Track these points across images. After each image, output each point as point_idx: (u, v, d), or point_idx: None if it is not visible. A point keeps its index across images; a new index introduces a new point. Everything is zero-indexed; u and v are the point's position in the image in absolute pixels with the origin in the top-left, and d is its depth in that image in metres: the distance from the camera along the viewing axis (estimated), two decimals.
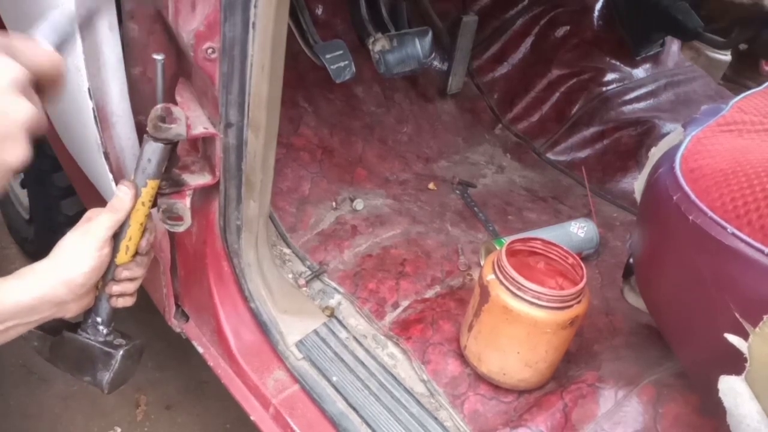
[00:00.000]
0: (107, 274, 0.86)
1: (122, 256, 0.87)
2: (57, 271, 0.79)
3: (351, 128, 1.72)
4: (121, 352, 0.91)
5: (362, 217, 1.48)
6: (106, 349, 0.91)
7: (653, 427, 0.98)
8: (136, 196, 0.84)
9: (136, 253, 0.88)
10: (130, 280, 0.89)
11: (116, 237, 0.85)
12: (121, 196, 0.84)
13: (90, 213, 0.84)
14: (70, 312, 0.83)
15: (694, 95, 2.13)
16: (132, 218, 0.85)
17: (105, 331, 0.92)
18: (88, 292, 0.83)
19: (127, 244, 0.86)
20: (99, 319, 0.92)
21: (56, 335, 0.92)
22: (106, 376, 0.91)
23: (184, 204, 0.94)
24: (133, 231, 0.86)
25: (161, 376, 1.75)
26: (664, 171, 0.88)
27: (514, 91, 2.05)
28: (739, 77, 2.29)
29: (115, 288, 0.88)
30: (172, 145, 0.86)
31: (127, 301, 0.91)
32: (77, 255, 0.80)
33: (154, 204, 0.90)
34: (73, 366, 0.94)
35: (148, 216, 0.88)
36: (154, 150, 0.84)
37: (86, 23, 0.77)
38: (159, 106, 0.83)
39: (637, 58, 2.15)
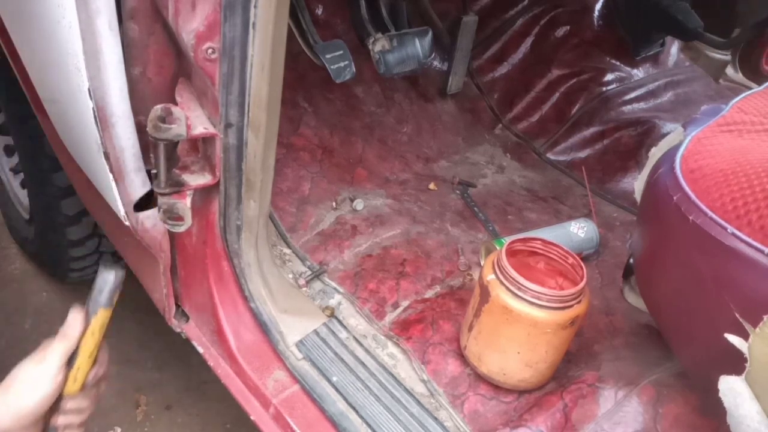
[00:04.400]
0: (56, 404, 0.83)
1: (70, 386, 0.84)
2: (7, 399, 0.77)
3: (351, 128, 1.72)
4: None
5: (362, 217, 1.48)
6: None
7: (653, 427, 0.98)
8: (86, 321, 0.83)
9: (84, 386, 0.85)
10: (77, 413, 0.86)
11: (69, 365, 0.83)
12: (70, 322, 0.82)
13: (45, 342, 0.83)
14: None
15: (694, 95, 2.13)
16: (81, 347, 0.83)
17: None
18: (35, 422, 0.80)
19: (76, 375, 0.84)
20: None
21: None
22: None
23: (184, 204, 0.94)
24: (81, 361, 0.84)
25: (161, 376, 1.75)
26: (664, 171, 0.88)
27: (514, 91, 2.05)
28: (739, 77, 2.29)
29: (61, 419, 0.84)
30: (121, 280, 0.84)
31: None
32: (30, 384, 0.79)
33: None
34: None
35: (100, 347, 0.86)
36: (105, 280, 0.83)
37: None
38: (159, 106, 0.83)
39: (637, 58, 2.15)
